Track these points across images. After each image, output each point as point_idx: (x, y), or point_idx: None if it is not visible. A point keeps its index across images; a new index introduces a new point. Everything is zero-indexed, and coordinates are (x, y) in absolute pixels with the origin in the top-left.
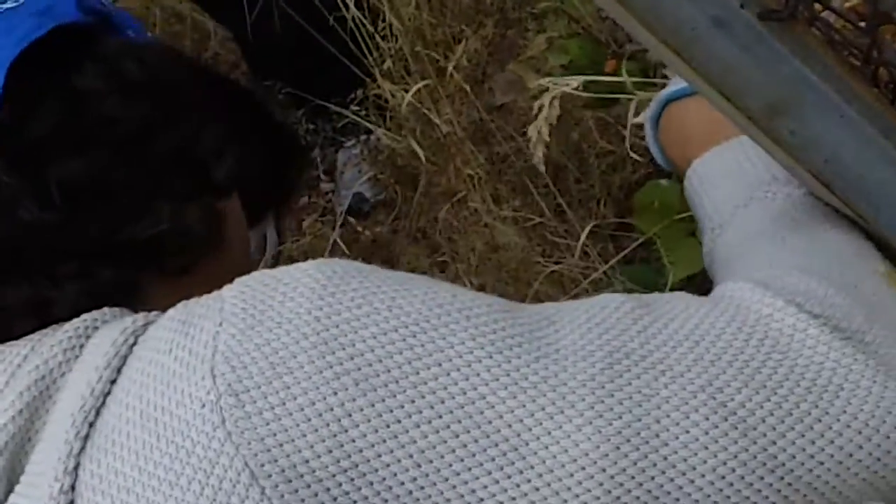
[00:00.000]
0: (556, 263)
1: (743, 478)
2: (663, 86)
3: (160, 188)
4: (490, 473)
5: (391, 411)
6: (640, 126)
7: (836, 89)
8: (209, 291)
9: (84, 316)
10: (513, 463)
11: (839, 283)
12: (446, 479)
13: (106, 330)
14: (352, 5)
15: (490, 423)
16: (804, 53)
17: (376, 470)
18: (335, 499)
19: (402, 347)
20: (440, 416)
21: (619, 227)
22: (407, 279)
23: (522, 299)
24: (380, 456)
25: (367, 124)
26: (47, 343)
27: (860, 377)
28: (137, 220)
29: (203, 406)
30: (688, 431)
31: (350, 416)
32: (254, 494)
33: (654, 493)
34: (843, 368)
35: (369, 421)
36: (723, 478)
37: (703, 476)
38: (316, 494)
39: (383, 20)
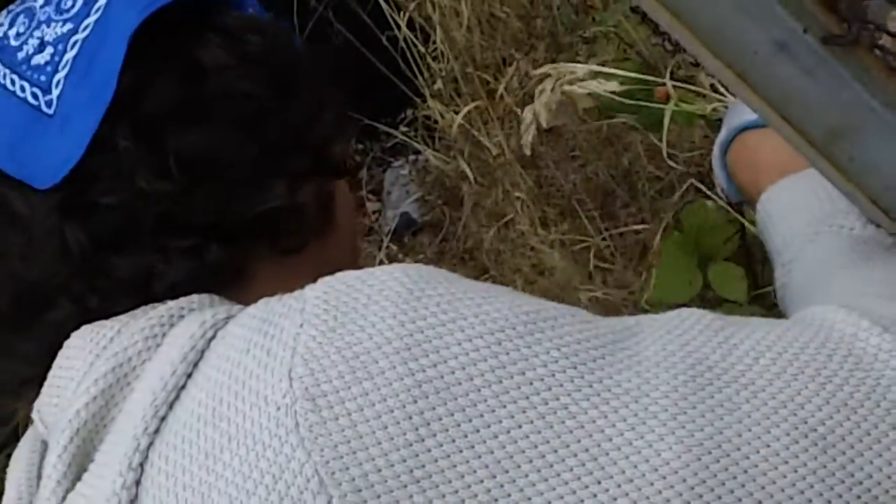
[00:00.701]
0: (603, 283)
1: (821, 494)
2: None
3: (277, 165)
4: (567, 483)
5: (470, 420)
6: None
7: None
8: (314, 279)
9: (171, 304)
10: (591, 473)
11: None
12: (521, 490)
13: (188, 320)
14: (403, 25)
15: (571, 432)
16: (866, 79)
17: (450, 481)
18: None
19: (487, 355)
20: (520, 426)
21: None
22: (491, 288)
23: None
24: (455, 466)
25: (416, 145)
26: (132, 328)
27: None
28: (253, 195)
29: (278, 409)
30: (768, 446)
31: (428, 424)
32: (321, 503)
33: None
34: None
35: (447, 430)
36: (802, 492)
37: (782, 490)
38: None
39: (434, 41)
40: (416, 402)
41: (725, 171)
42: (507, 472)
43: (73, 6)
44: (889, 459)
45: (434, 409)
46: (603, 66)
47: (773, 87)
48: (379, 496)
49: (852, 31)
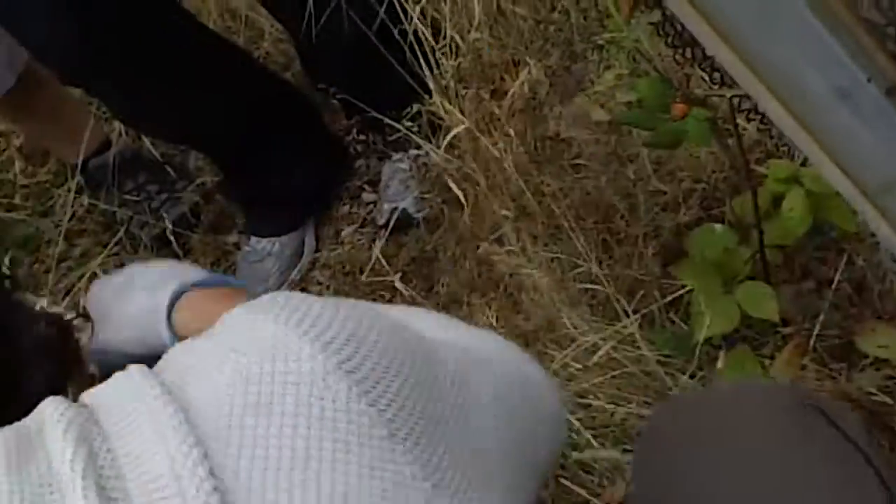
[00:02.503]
0: (589, 309)
1: None
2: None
3: None
4: None
5: None
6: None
7: None
8: None
9: None
10: None
11: None
12: None
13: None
14: (415, 18)
15: None
16: None
17: None
18: None
19: None
20: None
21: (663, 275)
22: None
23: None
24: None
25: (419, 140)
26: None
27: None
28: None
29: None
30: None
31: None
32: None
33: None
34: None
35: None
36: None
37: None
38: None
39: (444, 37)
40: None
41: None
42: None
43: None
44: None
45: None
46: (619, 78)
47: (831, 133)
48: None
49: None
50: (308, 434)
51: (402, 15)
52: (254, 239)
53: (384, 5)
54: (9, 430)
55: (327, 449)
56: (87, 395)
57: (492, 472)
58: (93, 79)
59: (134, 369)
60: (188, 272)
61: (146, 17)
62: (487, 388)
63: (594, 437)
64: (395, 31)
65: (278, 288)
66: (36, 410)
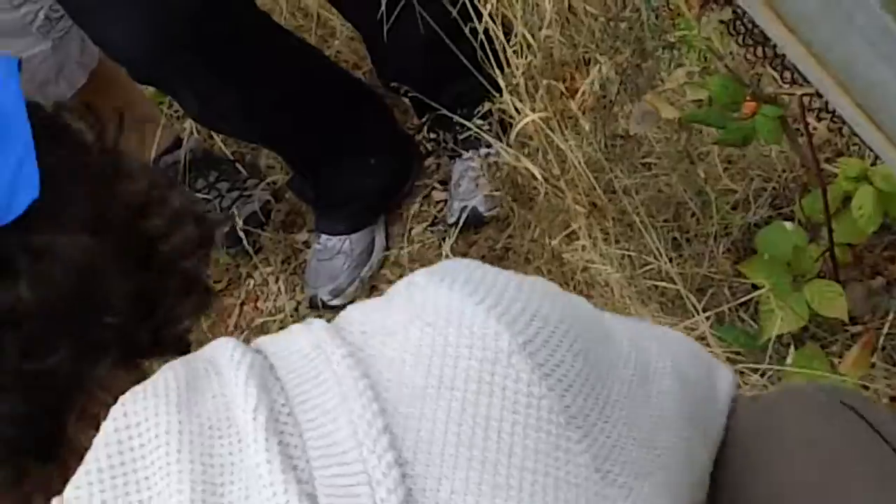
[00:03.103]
0: (660, 307)
1: None
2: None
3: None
4: None
5: None
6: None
7: None
8: None
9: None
10: None
11: None
12: None
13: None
14: (486, 15)
15: None
16: None
17: None
18: None
19: None
20: None
21: (734, 273)
22: None
23: None
24: None
25: (490, 139)
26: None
27: None
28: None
29: None
30: None
31: None
32: None
33: None
34: None
35: None
36: None
37: None
38: None
39: (515, 35)
40: None
41: None
42: None
43: None
44: None
45: None
46: (690, 76)
47: None
48: None
49: None
50: (488, 413)
51: (472, 13)
52: (324, 237)
53: (458, 5)
54: (180, 365)
55: (506, 430)
56: (262, 342)
57: (657, 465)
58: (166, 78)
59: (317, 325)
60: None
61: (221, 17)
62: (665, 372)
63: None
64: (467, 30)
65: (348, 286)
66: (208, 347)
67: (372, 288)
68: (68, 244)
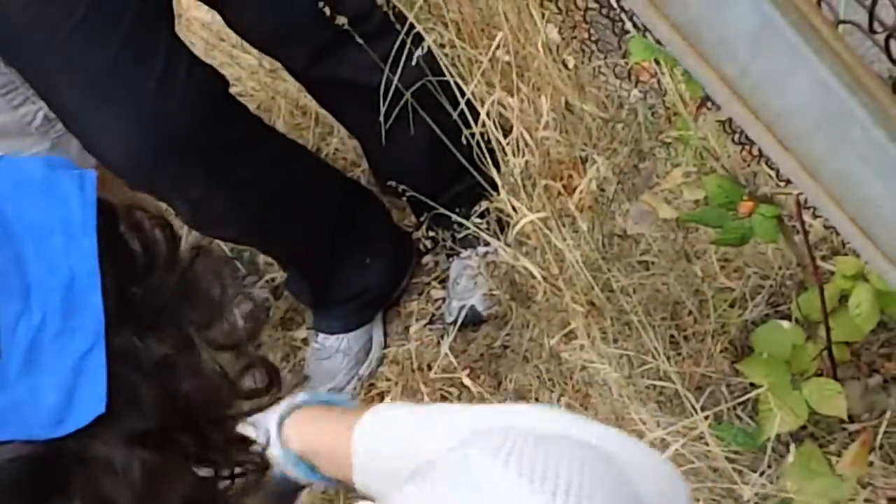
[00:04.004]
0: (657, 407)
1: None
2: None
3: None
4: None
5: None
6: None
7: None
8: None
9: None
10: None
11: None
12: None
13: None
14: (483, 115)
15: None
16: None
17: None
18: None
19: None
20: None
21: (732, 372)
22: None
23: None
24: None
25: (488, 238)
26: None
27: None
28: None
29: None
30: None
31: None
32: None
33: None
34: None
35: None
36: None
37: None
38: None
39: (512, 134)
40: None
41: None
42: None
43: None
44: None
45: None
46: (686, 176)
47: (895, 242)
48: None
49: None
50: None
51: (468, 114)
52: (321, 336)
53: (458, 109)
54: None
55: None
56: None
57: None
58: (158, 185)
59: None
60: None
61: (214, 125)
62: None
63: None
64: (465, 132)
65: (347, 384)
66: None
67: (370, 386)
68: (128, 457)
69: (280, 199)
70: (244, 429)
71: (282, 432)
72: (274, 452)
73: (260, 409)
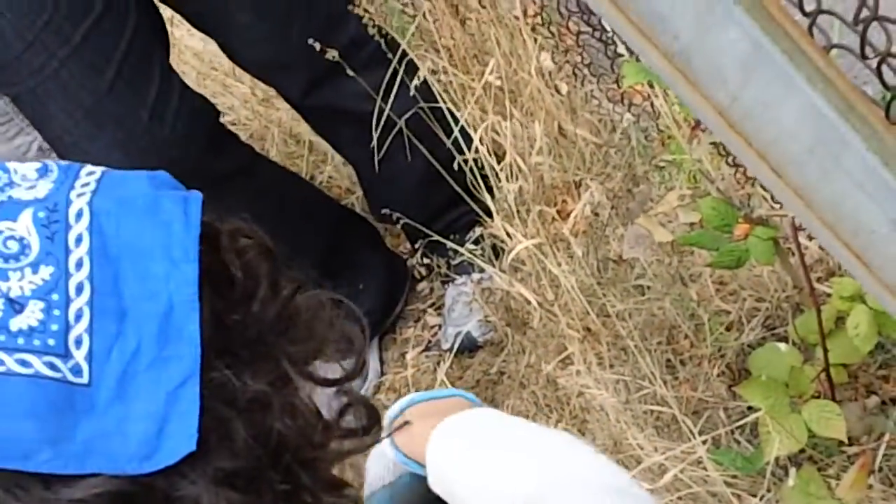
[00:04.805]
0: (655, 432)
1: None
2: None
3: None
4: None
5: None
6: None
7: None
8: None
9: None
10: None
11: None
12: None
13: None
14: (476, 141)
15: None
16: None
17: None
18: None
19: None
20: None
21: (729, 395)
22: None
23: None
24: None
25: (482, 264)
26: None
27: None
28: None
29: None
30: None
31: None
32: None
33: None
34: None
35: None
36: None
37: None
38: None
39: (506, 160)
40: None
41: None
42: None
43: (25, 249)
44: None
45: None
46: (681, 199)
47: (891, 267)
48: None
49: None
50: None
51: (461, 140)
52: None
53: (451, 137)
54: None
55: None
56: None
57: None
58: None
59: None
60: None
61: (205, 156)
62: None
63: None
64: (459, 159)
65: None
66: None
67: None
68: (216, 497)
69: (272, 226)
70: (338, 470)
71: (393, 435)
72: (389, 455)
73: (360, 449)
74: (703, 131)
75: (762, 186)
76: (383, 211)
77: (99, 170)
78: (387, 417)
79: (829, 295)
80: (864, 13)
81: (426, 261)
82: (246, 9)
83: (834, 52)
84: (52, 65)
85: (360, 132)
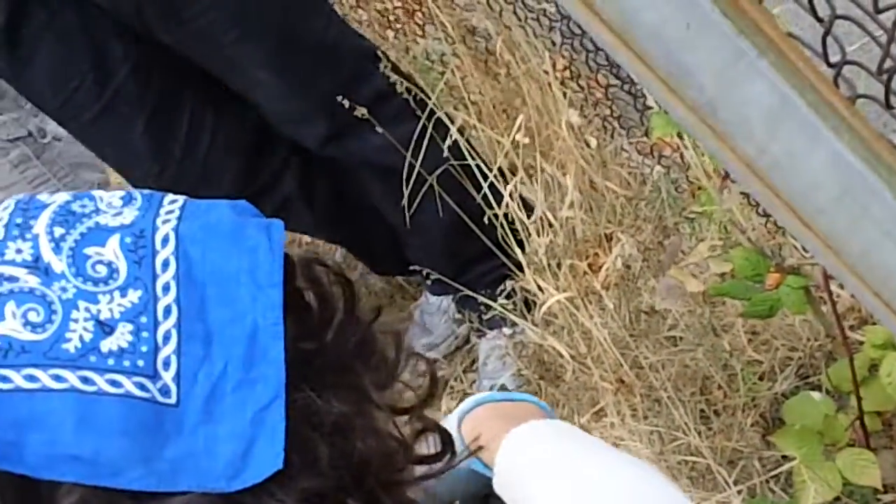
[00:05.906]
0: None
1: None
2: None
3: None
4: None
5: None
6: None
7: None
8: None
9: None
10: None
11: None
12: None
13: None
14: (506, 195)
15: None
16: None
17: None
18: None
19: None
20: None
21: (763, 445)
22: None
23: None
24: None
25: (514, 318)
26: None
27: None
28: None
29: None
30: None
31: None
32: None
33: None
34: None
35: None
36: None
37: None
38: None
39: (536, 213)
40: None
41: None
42: None
43: (114, 273)
44: None
45: None
46: (712, 249)
47: None
48: None
49: None
50: None
51: (490, 195)
52: None
53: (481, 193)
54: None
55: None
56: None
57: None
58: None
59: None
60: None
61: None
62: None
63: None
64: (489, 213)
65: None
66: None
67: None
68: None
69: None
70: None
71: (461, 431)
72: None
73: (432, 475)
74: (733, 182)
75: (793, 236)
76: (412, 268)
77: (181, 198)
78: (458, 412)
79: (861, 343)
80: (889, 63)
81: (458, 315)
82: (264, 66)
83: (860, 101)
84: (85, 117)
85: (387, 186)
